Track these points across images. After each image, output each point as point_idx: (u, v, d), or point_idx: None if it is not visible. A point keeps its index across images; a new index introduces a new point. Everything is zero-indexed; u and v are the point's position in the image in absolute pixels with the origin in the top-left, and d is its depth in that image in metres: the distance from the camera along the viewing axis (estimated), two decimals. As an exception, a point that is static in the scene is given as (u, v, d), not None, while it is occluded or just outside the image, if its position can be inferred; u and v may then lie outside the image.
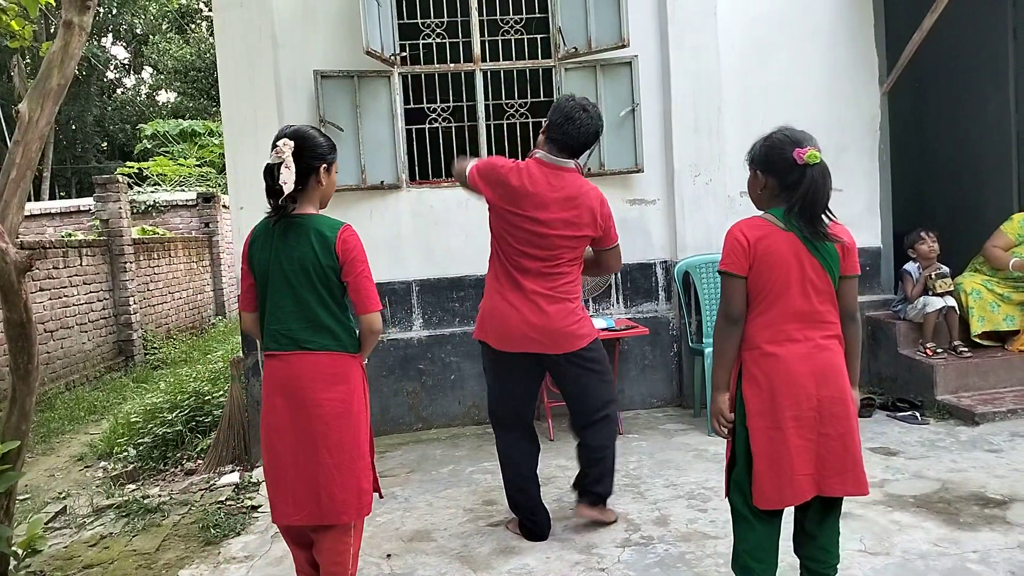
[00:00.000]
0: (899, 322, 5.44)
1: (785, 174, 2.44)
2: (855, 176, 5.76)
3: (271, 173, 2.59)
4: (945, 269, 5.30)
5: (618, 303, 5.62)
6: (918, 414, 4.92)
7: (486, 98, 5.51)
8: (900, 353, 5.38)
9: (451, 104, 5.55)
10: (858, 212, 5.76)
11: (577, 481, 3.65)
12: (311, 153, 2.64)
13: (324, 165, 2.69)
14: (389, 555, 3.45)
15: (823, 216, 2.43)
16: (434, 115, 5.56)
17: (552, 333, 3.32)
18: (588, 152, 3.53)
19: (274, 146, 2.59)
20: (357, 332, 2.70)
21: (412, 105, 5.59)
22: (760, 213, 2.54)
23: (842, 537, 3.23)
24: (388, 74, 5.30)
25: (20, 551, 3.23)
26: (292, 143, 2.58)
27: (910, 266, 5.39)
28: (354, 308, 2.66)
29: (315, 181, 2.68)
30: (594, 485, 3.56)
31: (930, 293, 5.27)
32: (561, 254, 3.33)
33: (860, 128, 5.75)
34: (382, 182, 5.33)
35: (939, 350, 5.21)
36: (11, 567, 3.17)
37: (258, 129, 5.14)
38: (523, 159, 3.48)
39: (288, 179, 2.55)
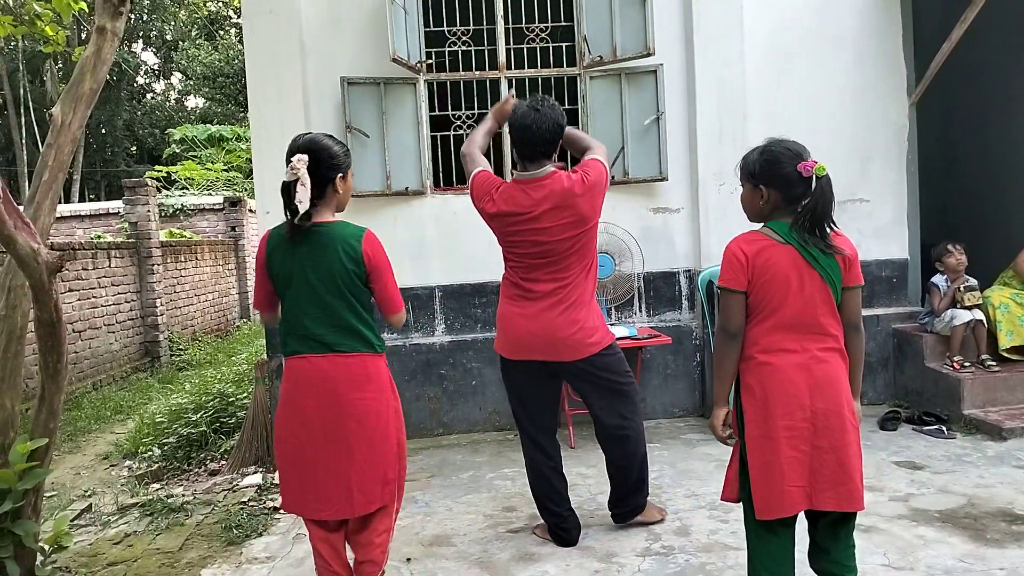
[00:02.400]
0: (926, 335, 5.38)
1: (789, 187, 2.43)
2: (882, 187, 5.71)
3: (287, 191, 2.57)
4: (973, 282, 5.24)
5: (641, 312, 5.61)
6: (944, 428, 4.86)
7: (511, 105, 5.53)
8: (927, 366, 5.31)
9: (476, 111, 5.58)
10: (885, 223, 5.70)
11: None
12: (327, 164, 2.64)
13: (340, 174, 2.71)
14: (409, 559, 3.47)
15: (827, 227, 2.42)
16: (459, 122, 5.59)
17: (557, 341, 3.29)
18: (556, 150, 3.34)
19: (287, 161, 2.59)
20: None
21: (437, 112, 5.63)
22: (758, 227, 2.53)
23: (865, 551, 3.24)
24: (414, 81, 5.34)
25: (47, 547, 3.29)
26: (306, 158, 2.56)
27: (938, 279, 5.33)
28: (380, 309, 2.74)
29: (332, 191, 2.69)
30: (615, 505, 3.59)
31: (958, 306, 5.21)
32: (567, 258, 3.28)
33: (887, 139, 5.70)
34: (407, 188, 5.37)
35: (966, 364, 5.14)
36: (38, 563, 3.23)
37: (285, 135, 5.10)
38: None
39: (304, 197, 2.54)
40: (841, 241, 2.46)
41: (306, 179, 2.54)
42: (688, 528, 3.65)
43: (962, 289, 5.19)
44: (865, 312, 5.60)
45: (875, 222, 5.70)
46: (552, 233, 3.23)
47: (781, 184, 2.45)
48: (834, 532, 2.54)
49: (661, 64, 5.36)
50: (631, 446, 3.50)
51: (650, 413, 5.47)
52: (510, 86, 5.55)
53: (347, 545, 2.80)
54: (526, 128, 3.26)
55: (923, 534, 3.45)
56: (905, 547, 3.33)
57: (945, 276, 5.31)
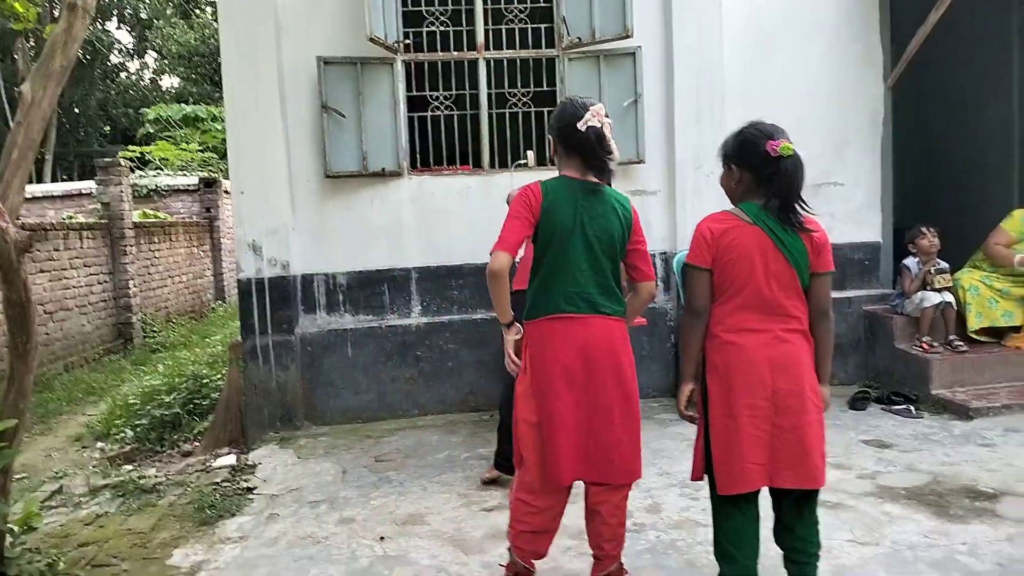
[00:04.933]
0: (896, 316, 5.45)
1: (760, 168, 2.45)
2: (857, 171, 5.77)
3: (600, 135, 2.65)
4: (944, 265, 5.31)
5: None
6: (913, 408, 4.94)
7: (489, 87, 5.52)
8: (897, 347, 5.39)
9: (454, 92, 5.55)
10: (858, 206, 5.77)
11: None
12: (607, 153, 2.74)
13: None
14: (383, 538, 3.48)
15: (797, 207, 2.44)
16: (436, 103, 5.56)
17: None
18: None
19: (585, 109, 2.66)
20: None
21: (415, 92, 5.59)
22: (731, 207, 2.55)
23: (832, 527, 3.31)
24: (391, 61, 5.30)
25: (16, 528, 3.26)
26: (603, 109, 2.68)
27: (909, 261, 5.40)
28: (638, 275, 2.80)
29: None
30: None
31: (928, 288, 5.28)
32: None
33: (863, 123, 5.75)
34: (383, 169, 5.34)
35: (935, 345, 5.23)
36: (7, 543, 3.20)
37: (260, 114, 5.16)
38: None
39: (615, 147, 2.69)
40: (812, 225, 2.48)
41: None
42: (660, 506, 3.69)
43: (933, 271, 5.26)
44: (837, 294, 5.68)
45: (849, 205, 5.76)
46: None
47: (751, 164, 2.47)
48: (797, 510, 2.57)
49: (640, 46, 5.36)
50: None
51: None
52: (488, 66, 5.52)
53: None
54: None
55: (889, 511, 3.52)
56: (871, 523, 3.40)
57: (917, 259, 5.38)
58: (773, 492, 2.59)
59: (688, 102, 5.43)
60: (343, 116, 5.25)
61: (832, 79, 5.69)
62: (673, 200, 5.51)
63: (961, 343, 5.21)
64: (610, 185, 3.72)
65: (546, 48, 5.54)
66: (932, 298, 5.22)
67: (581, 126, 2.65)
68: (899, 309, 5.46)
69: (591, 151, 2.66)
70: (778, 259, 2.44)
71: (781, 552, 2.64)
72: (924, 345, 5.23)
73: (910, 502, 3.61)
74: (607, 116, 2.68)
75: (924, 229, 5.34)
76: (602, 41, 5.33)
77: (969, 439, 4.43)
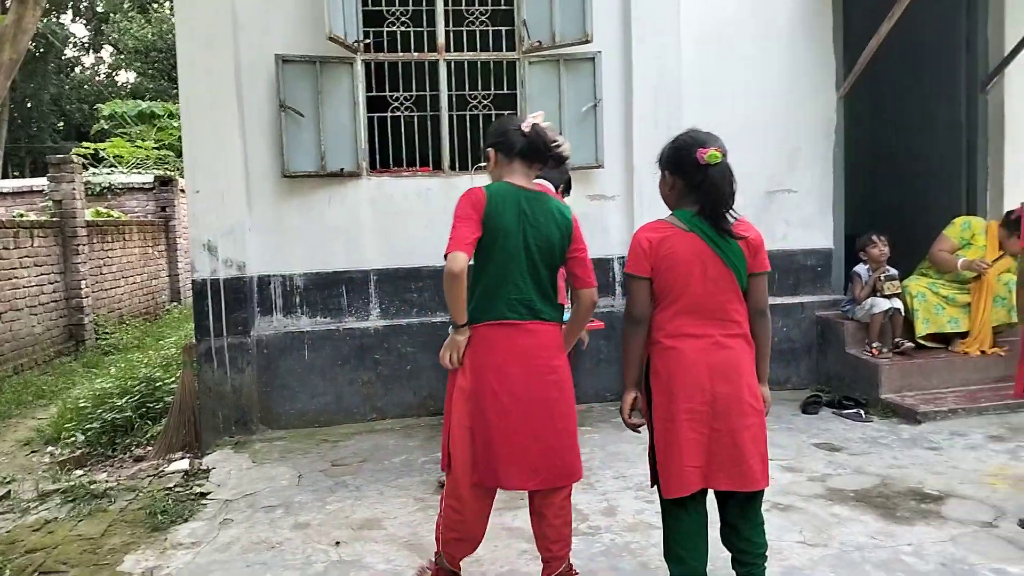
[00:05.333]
0: (847, 322, 5.57)
1: (691, 174, 2.51)
2: (809, 178, 5.88)
3: (543, 133, 2.72)
4: (893, 272, 5.44)
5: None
6: (863, 412, 5.06)
7: (449, 88, 5.51)
8: (847, 352, 5.51)
9: (414, 93, 5.53)
10: (810, 213, 5.89)
11: None
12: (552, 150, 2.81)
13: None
14: (338, 542, 3.46)
15: (726, 215, 2.48)
16: (396, 104, 5.54)
17: None
18: None
19: (511, 132, 2.74)
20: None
21: (375, 93, 5.57)
22: (667, 215, 2.61)
23: (782, 529, 3.37)
24: (351, 61, 5.26)
25: (-42, 535, 3.18)
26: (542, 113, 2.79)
27: (860, 268, 5.52)
28: (578, 282, 2.80)
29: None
30: None
31: (878, 295, 5.40)
32: None
33: (816, 131, 5.87)
34: (342, 169, 5.30)
35: (884, 350, 5.35)
36: (-52, 551, 3.11)
37: (216, 111, 5.09)
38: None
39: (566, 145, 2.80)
40: (745, 227, 2.54)
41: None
42: (615, 508, 3.73)
43: (882, 278, 5.38)
44: (790, 299, 5.82)
45: (802, 212, 5.88)
46: None
47: (682, 171, 2.53)
48: (742, 511, 2.63)
49: (599, 51, 5.41)
50: None
51: (582, 397, 5.49)
52: (448, 68, 5.51)
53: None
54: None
55: (838, 512, 3.60)
56: (821, 525, 3.47)
57: (867, 266, 5.50)
58: (718, 495, 2.64)
59: (646, 107, 5.49)
60: (301, 115, 5.20)
61: (786, 87, 5.80)
62: (631, 205, 5.57)
63: (909, 343, 5.33)
64: (569, 185, 3.79)
65: (507, 51, 5.56)
66: (881, 304, 5.35)
67: (525, 127, 2.72)
68: (850, 315, 5.59)
69: (541, 147, 2.72)
70: (716, 264, 2.50)
71: (729, 554, 2.69)
72: (873, 350, 5.36)
73: (858, 504, 3.69)
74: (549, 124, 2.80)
75: (875, 238, 5.47)
76: (562, 45, 5.37)
77: (916, 443, 4.55)
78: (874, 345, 5.37)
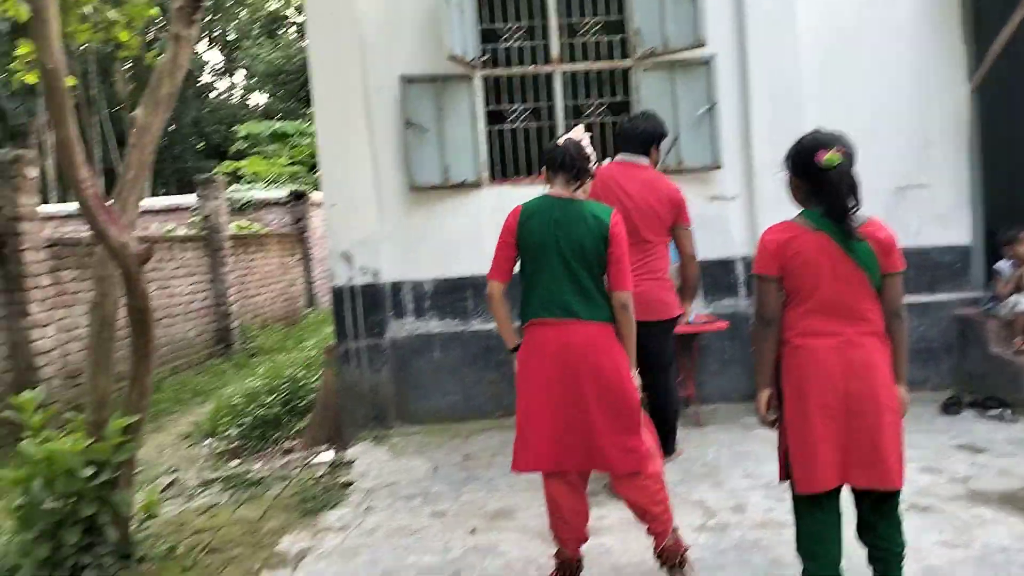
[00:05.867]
0: (989, 320, 5.32)
1: (811, 176, 2.53)
2: (942, 172, 5.65)
3: (578, 146, 2.97)
4: (1040, 268, 5.16)
5: (698, 298, 5.67)
6: (1007, 412, 4.82)
7: (564, 99, 5.67)
8: (990, 352, 5.26)
9: (531, 104, 5.72)
10: (945, 208, 5.65)
11: None
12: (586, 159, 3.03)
13: (591, 174, 3.09)
14: (474, 530, 3.66)
15: (849, 216, 2.48)
16: (514, 116, 5.74)
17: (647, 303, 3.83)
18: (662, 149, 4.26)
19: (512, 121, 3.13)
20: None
21: (493, 106, 5.78)
22: (794, 215, 2.63)
23: (921, 529, 3.31)
24: (470, 77, 5.50)
25: (140, 515, 3.59)
26: (586, 132, 3.10)
27: (1002, 264, 5.27)
28: (609, 285, 2.94)
29: (587, 179, 3.05)
30: None
31: (1023, 292, 5.13)
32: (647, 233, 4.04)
33: (946, 124, 5.63)
34: (464, 181, 5.55)
35: (1030, 348, 5.08)
36: (132, 529, 3.51)
37: (348, 129, 5.45)
38: (599, 157, 3.82)
39: (591, 151, 3.00)
40: (876, 227, 2.53)
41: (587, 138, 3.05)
42: (744, 506, 3.75)
43: (1026, 273, 5.11)
44: (927, 298, 5.61)
45: (935, 208, 5.65)
46: (637, 202, 4.01)
47: (806, 173, 2.56)
48: (878, 509, 2.62)
49: (714, 54, 5.41)
50: (671, 381, 4.29)
51: (708, 398, 5.54)
52: (563, 79, 5.66)
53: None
54: (623, 132, 4.28)
55: (980, 514, 3.48)
56: (962, 526, 3.37)
57: (1011, 261, 5.24)
58: (855, 492, 2.64)
59: (764, 108, 5.45)
60: (426, 131, 5.48)
61: (912, 81, 5.60)
62: (752, 205, 5.53)
63: (1056, 345, 5.05)
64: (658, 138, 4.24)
65: (620, 59, 5.65)
66: (1026, 301, 5.08)
67: (559, 142, 3.00)
68: (992, 312, 5.32)
69: (568, 161, 2.93)
70: (845, 262, 2.51)
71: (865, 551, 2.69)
72: (1019, 345, 5.09)
73: (1003, 506, 3.55)
74: (589, 134, 3.10)
75: (1021, 234, 5.19)
76: (675, 51, 5.41)
77: (1066, 444, 4.31)
78: (1020, 343, 5.10)
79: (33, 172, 6.23)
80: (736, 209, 5.62)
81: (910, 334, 5.53)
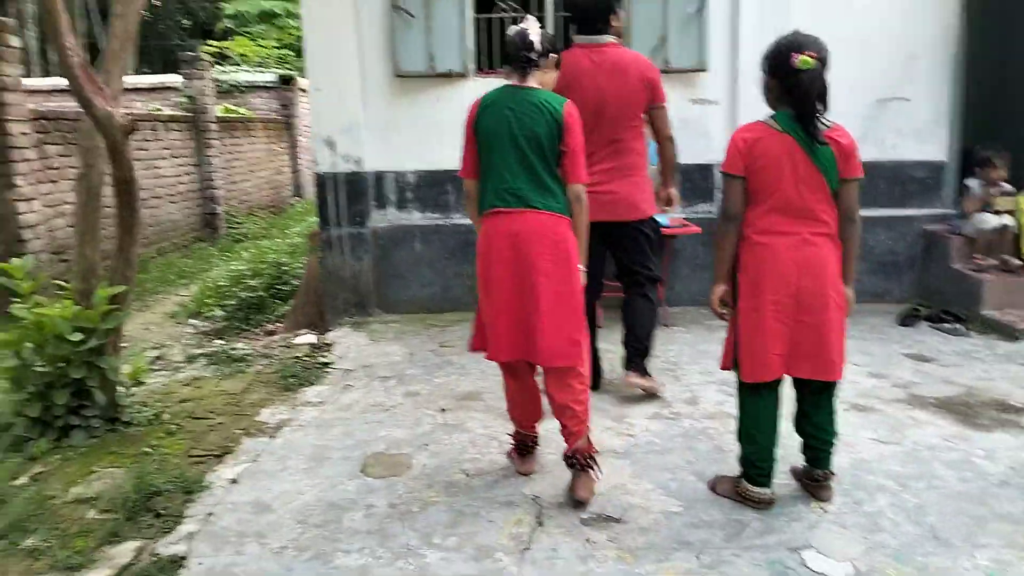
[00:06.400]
0: (954, 237, 5.47)
1: (784, 78, 2.61)
2: (925, 86, 5.66)
3: (522, 34, 2.85)
4: (1010, 188, 5.27)
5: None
6: (961, 327, 5.04)
7: (556, -10, 5.59)
8: (951, 267, 5.44)
9: (521, -6, 5.63)
10: (924, 123, 5.70)
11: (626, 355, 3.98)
12: (547, 40, 2.95)
13: (555, 56, 3.02)
14: (443, 409, 3.89)
15: (815, 120, 2.57)
16: (503, 5, 5.65)
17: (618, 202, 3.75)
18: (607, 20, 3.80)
19: (519, 20, 2.98)
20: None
21: (484, -7, 5.70)
22: (764, 116, 2.71)
23: (858, 427, 3.56)
24: (462, -38, 5.40)
25: (128, 381, 3.78)
26: (537, 22, 2.94)
27: (972, 181, 5.37)
28: (564, 176, 2.88)
29: (544, 64, 2.95)
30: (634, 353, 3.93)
31: (989, 209, 5.27)
32: (619, 120, 3.73)
33: (934, 37, 5.60)
34: (450, 71, 5.52)
35: (991, 261, 5.25)
36: (119, 393, 3.71)
37: (335, 12, 5.37)
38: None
39: (537, 41, 2.84)
40: (839, 133, 2.64)
41: (536, 32, 2.88)
42: (697, 399, 3.98)
43: (997, 194, 5.23)
44: (896, 211, 5.74)
45: (914, 122, 5.70)
46: (607, 94, 3.67)
47: (780, 74, 2.63)
48: (815, 400, 2.84)
49: (709, -49, 5.32)
50: (652, 287, 3.98)
51: (677, 300, 5.73)
52: (558, -31, 5.57)
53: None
54: (575, 7, 3.82)
55: (916, 416, 3.73)
56: (896, 425, 3.62)
57: (980, 180, 5.34)
58: (795, 383, 2.85)
59: (753, 11, 5.41)
60: (412, 16, 5.41)
61: (903, -16, 5.53)
62: (735, 110, 5.55)
63: (1016, 261, 5.21)
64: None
65: (618, -48, 5.53)
66: (991, 220, 5.22)
67: (509, 32, 2.92)
68: (958, 229, 5.48)
69: (513, 50, 2.87)
70: (807, 165, 2.62)
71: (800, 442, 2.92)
72: (977, 261, 5.26)
73: (938, 410, 3.80)
74: (541, 27, 2.94)
75: (996, 160, 5.26)
76: (673, -54, 5.31)
77: (1011, 358, 4.54)
78: (978, 257, 5.27)
79: (15, 41, 6.13)
80: (718, 114, 5.65)
81: (877, 246, 5.71)
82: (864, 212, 5.48)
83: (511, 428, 3.26)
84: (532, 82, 2.90)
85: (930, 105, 5.71)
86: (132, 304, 6.63)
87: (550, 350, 2.83)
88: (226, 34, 18.97)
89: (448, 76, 5.55)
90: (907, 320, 5.27)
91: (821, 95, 2.56)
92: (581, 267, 2.92)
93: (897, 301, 5.72)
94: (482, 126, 2.89)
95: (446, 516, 2.86)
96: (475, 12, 5.58)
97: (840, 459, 3.18)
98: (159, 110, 11.01)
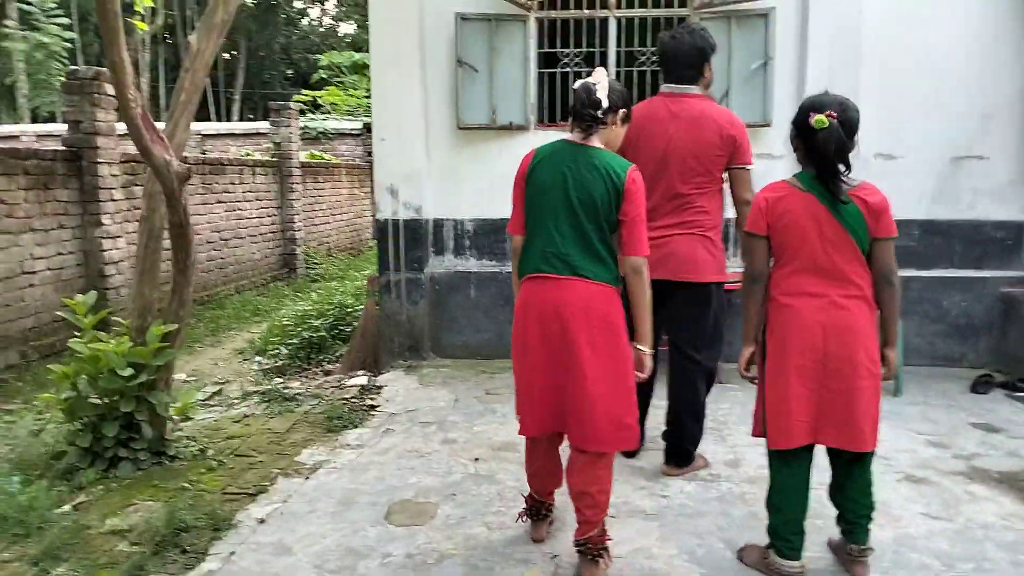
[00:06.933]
0: (1035, 300, 5.16)
1: (805, 137, 2.56)
2: (1002, 144, 5.41)
3: (588, 90, 2.66)
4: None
5: (736, 256, 5.66)
6: (1038, 395, 4.72)
7: (618, 45, 5.64)
8: (1031, 332, 5.12)
9: (584, 50, 5.71)
10: (1002, 182, 5.44)
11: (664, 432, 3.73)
12: (616, 94, 2.75)
13: (624, 111, 2.82)
14: (477, 459, 3.88)
15: (837, 179, 2.51)
16: (566, 60, 5.75)
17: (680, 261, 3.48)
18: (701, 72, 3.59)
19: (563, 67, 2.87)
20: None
21: (546, 49, 5.81)
22: (791, 176, 2.67)
23: (908, 499, 3.37)
24: (524, 18, 5.53)
25: (176, 416, 3.94)
26: (606, 73, 2.77)
27: (1055, 242, 5.08)
28: (621, 248, 2.69)
29: (611, 120, 2.76)
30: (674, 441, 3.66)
31: (1074, 272, 4.96)
32: (689, 173, 3.47)
33: (1012, 96, 5.36)
34: (511, 123, 5.63)
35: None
36: (168, 428, 3.87)
37: (401, 66, 5.57)
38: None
39: (603, 97, 2.64)
40: (866, 192, 2.55)
41: (605, 87, 2.68)
42: (739, 461, 3.85)
43: (1079, 254, 4.92)
44: (972, 273, 5.47)
45: (992, 181, 5.44)
46: (677, 147, 3.44)
47: (802, 134, 2.58)
48: (848, 470, 2.71)
49: (773, 7, 5.29)
50: (699, 373, 3.61)
51: (733, 356, 5.54)
52: (618, 25, 5.63)
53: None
54: (664, 54, 3.60)
55: (974, 491, 3.49)
56: (950, 500, 3.40)
57: (1065, 240, 5.05)
58: (829, 452, 2.73)
59: (821, 67, 5.31)
60: (476, 71, 5.56)
61: (981, 47, 5.32)
62: (797, 166, 5.42)
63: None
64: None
65: (678, 7, 5.57)
66: (1075, 282, 4.90)
67: (575, 85, 2.73)
68: (1039, 292, 5.17)
69: (578, 106, 2.66)
70: (832, 225, 2.55)
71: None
72: (1059, 330, 4.94)
73: (999, 485, 3.55)
74: (609, 77, 2.74)
75: None
76: (734, 1, 5.30)
77: (1089, 431, 4.22)
78: (1060, 326, 4.95)
79: (110, 89, 6.62)
80: (781, 168, 5.51)
81: (952, 308, 5.44)
82: (939, 272, 5.43)
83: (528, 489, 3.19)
84: (596, 141, 2.70)
85: (1009, 164, 5.44)
86: (204, 339, 6.97)
87: (596, 433, 2.62)
88: (321, 84, 19.90)
89: (509, 128, 5.66)
90: (980, 387, 4.96)
91: (840, 153, 2.50)
92: (644, 348, 2.72)
93: (972, 367, 5.41)
94: (535, 181, 2.71)
95: (461, 570, 2.84)
96: (539, 67, 5.68)
97: (883, 533, 3.02)
98: (249, 155, 11.62)
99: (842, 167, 2.52)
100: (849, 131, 2.56)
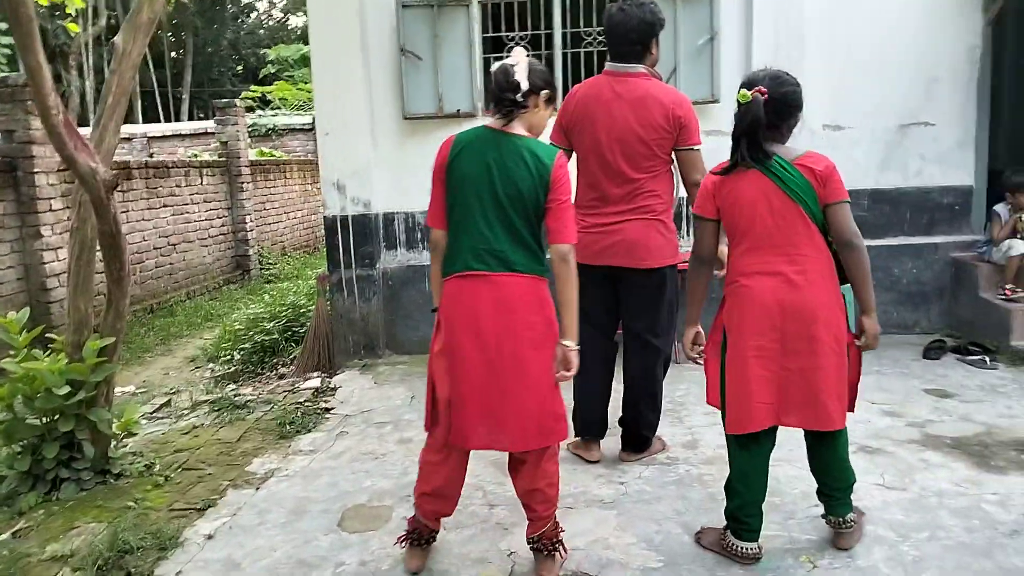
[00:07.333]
0: (982, 264, 5.22)
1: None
2: (948, 110, 5.46)
3: (506, 72, 2.50)
4: (1039, 213, 5.02)
5: (688, 236, 5.65)
6: (988, 359, 4.78)
7: (563, 26, 5.56)
8: (980, 296, 5.19)
9: (529, 32, 5.62)
10: (948, 148, 5.48)
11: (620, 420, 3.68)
12: (537, 75, 2.56)
13: (547, 92, 2.61)
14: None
15: (753, 146, 2.51)
16: (511, 43, 5.65)
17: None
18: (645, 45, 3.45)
19: (509, 51, 2.63)
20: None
21: (491, 33, 5.71)
22: None
23: (864, 471, 3.37)
24: (467, 3, 5.42)
25: (119, 433, 3.80)
26: (525, 53, 2.58)
27: (1000, 207, 5.14)
28: (549, 236, 2.54)
29: (533, 103, 2.57)
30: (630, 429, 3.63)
31: (1018, 236, 5.02)
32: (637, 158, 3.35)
33: (956, 59, 5.41)
34: (458, 111, 5.53)
35: (1019, 294, 4.98)
36: (112, 446, 3.73)
37: (340, 56, 5.43)
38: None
39: (523, 80, 2.47)
40: (812, 160, 2.52)
41: (524, 69, 2.49)
42: (697, 442, 3.83)
43: (1023, 219, 4.98)
44: (922, 239, 5.51)
45: (939, 147, 5.49)
46: (620, 131, 3.32)
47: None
48: (819, 447, 2.71)
49: (715, -18, 5.25)
50: (654, 357, 3.55)
51: (691, 335, 5.56)
52: (563, 6, 5.54)
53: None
54: (611, 27, 3.42)
55: (927, 458, 3.52)
56: (905, 469, 3.42)
57: (1009, 205, 5.10)
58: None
59: (766, 39, 5.30)
60: (420, 59, 5.45)
61: (923, 13, 5.36)
62: (746, 141, 5.42)
63: (1048, 292, 4.95)
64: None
65: (621, -14, 5.49)
66: (1020, 246, 4.96)
67: (492, 68, 2.57)
68: (986, 256, 5.22)
69: (496, 90, 2.51)
70: (780, 196, 2.51)
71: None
72: (1007, 292, 5.00)
73: (952, 451, 3.58)
74: (528, 57, 2.57)
75: None
76: (678, -23, 5.25)
77: (1040, 393, 4.28)
78: (1008, 287, 5.01)
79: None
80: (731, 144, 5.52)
81: (903, 275, 5.48)
82: (889, 240, 5.45)
83: (501, 479, 3.12)
84: (518, 126, 2.55)
85: (955, 129, 5.49)
86: (155, 348, 6.79)
87: (536, 430, 2.51)
88: (271, 79, 19.54)
89: (457, 116, 5.56)
90: (932, 353, 5.02)
91: (752, 127, 2.49)
92: (571, 343, 2.53)
93: (925, 332, 5.47)
94: (457, 172, 2.52)
95: (416, 574, 2.78)
96: (484, 52, 5.58)
97: (839, 508, 3.01)
98: (197, 156, 11.36)
99: (748, 139, 2.51)
100: (784, 105, 2.53)
